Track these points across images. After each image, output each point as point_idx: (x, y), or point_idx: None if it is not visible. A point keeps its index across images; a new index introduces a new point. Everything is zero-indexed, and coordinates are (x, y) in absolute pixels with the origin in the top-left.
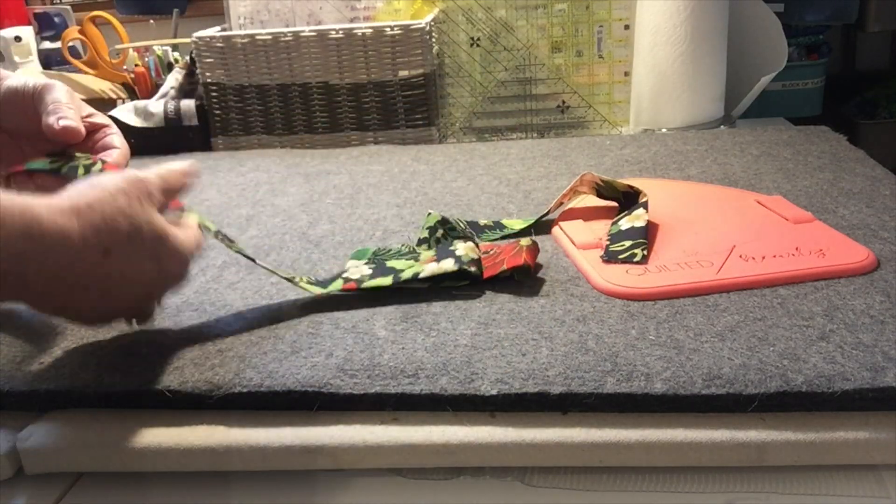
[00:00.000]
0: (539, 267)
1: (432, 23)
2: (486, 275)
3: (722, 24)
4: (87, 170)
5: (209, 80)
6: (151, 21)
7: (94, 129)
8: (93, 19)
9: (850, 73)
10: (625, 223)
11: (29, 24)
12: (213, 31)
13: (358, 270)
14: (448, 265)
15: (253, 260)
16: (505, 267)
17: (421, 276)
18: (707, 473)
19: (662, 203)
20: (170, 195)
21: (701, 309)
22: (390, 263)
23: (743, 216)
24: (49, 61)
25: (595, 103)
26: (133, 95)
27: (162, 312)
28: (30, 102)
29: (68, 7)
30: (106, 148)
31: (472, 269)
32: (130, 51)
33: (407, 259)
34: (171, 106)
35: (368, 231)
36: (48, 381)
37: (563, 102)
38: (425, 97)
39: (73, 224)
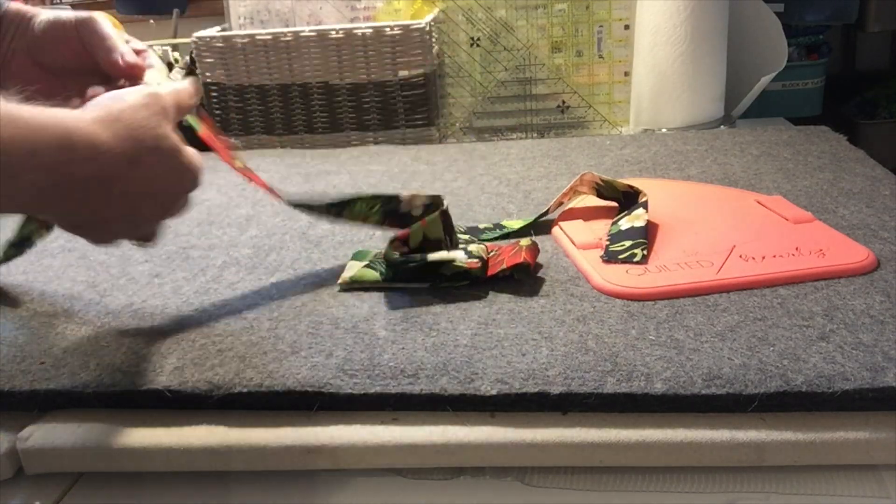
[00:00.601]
0: (539, 267)
1: (432, 23)
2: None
3: (722, 24)
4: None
5: (209, 80)
6: (151, 21)
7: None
8: None
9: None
10: (625, 223)
11: None
12: (213, 31)
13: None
14: (457, 255)
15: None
16: (504, 266)
17: (429, 259)
18: (707, 473)
19: (662, 203)
20: (181, 112)
21: (701, 309)
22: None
23: (743, 216)
24: None
25: (595, 103)
26: None
27: (165, 235)
28: (73, 36)
29: (68, 7)
30: None
31: (478, 264)
32: None
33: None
34: None
35: (368, 231)
36: (48, 381)
37: (563, 102)
38: (425, 97)
39: (103, 133)
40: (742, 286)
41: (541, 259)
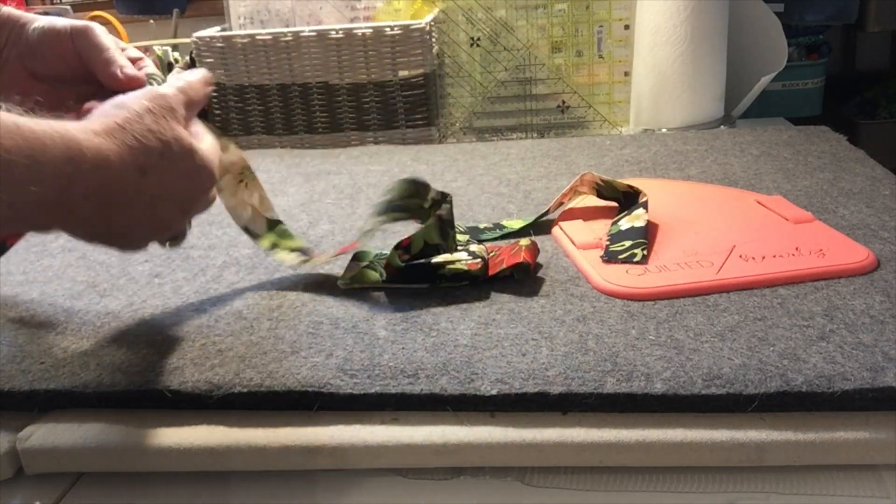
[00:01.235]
0: (539, 267)
1: (432, 23)
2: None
3: (722, 24)
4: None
5: None
6: (151, 21)
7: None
8: (93, 19)
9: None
10: (625, 223)
11: None
12: (213, 31)
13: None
14: (461, 256)
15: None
16: (504, 266)
17: (434, 262)
18: (707, 473)
19: (662, 203)
20: (192, 107)
21: (701, 309)
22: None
23: (743, 216)
24: None
25: (595, 103)
26: None
27: (191, 233)
28: (67, 45)
29: (68, 7)
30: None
31: (479, 265)
32: None
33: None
34: None
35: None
36: (48, 381)
37: (563, 102)
38: (425, 97)
39: (109, 145)
40: (742, 286)
41: (541, 259)
